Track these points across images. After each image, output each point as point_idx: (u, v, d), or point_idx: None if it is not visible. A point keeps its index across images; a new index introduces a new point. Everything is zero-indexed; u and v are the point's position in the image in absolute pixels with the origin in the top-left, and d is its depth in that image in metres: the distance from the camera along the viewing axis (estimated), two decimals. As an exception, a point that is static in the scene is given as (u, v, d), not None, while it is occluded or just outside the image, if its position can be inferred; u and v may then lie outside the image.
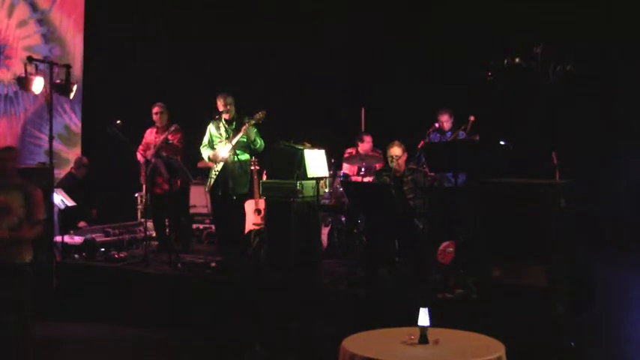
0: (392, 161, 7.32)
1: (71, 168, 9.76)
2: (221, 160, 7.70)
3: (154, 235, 8.81)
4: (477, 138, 7.79)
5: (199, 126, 8.06)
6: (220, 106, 7.78)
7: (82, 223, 9.07)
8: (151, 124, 8.54)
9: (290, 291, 6.68)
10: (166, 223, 8.57)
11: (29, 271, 5.63)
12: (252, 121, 7.58)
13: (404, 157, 7.35)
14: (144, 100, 8.92)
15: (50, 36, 10.56)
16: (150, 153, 8.21)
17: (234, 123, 7.78)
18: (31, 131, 10.28)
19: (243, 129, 7.56)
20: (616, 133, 8.22)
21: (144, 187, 8.71)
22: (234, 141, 7.59)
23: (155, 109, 8.43)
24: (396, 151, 7.29)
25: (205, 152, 7.92)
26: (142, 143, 8.49)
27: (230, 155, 7.63)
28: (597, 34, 8.01)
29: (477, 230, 6.20)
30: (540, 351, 5.26)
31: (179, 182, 8.34)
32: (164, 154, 8.08)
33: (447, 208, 6.97)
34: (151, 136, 8.47)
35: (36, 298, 5.70)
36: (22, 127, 10.24)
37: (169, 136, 8.22)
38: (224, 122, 7.79)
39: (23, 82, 7.84)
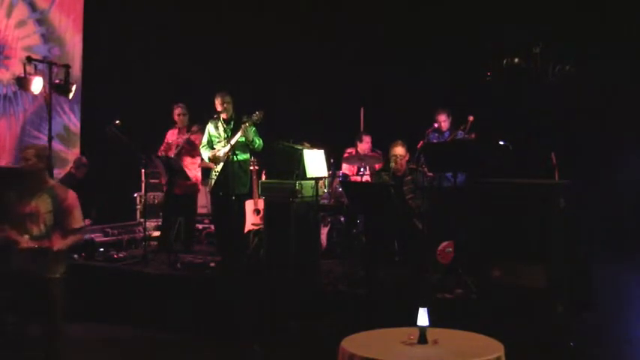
0: (394, 161, 7.32)
1: (70, 168, 9.74)
2: (221, 161, 7.70)
3: (154, 235, 8.81)
4: (473, 136, 7.79)
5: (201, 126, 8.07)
6: (218, 106, 7.78)
7: (81, 223, 9.05)
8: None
9: (289, 291, 6.68)
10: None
11: (58, 285, 5.11)
12: (250, 122, 7.57)
13: (406, 158, 7.35)
14: (143, 100, 8.92)
15: (49, 36, 10.55)
16: (171, 153, 8.23)
17: (232, 122, 7.77)
18: (30, 131, 10.27)
19: (241, 129, 7.56)
20: (616, 133, 8.21)
21: (143, 186, 8.72)
22: (233, 141, 7.58)
23: (177, 111, 8.48)
24: (399, 150, 7.28)
25: (205, 153, 7.92)
26: (163, 143, 8.52)
27: (229, 155, 7.62)
28: (597, 34, 8.00)
29: (476, 230, 6.19)
30: (540, 351, 5.25)
31: (198, 184, 8.37)
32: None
33: (446, 208, 6.97)
34: (172, 136, 8.51)
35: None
36: (21, 127, 10.24)
37: (192, 137, 8.24)
38: (222, 122, 7.78)
39: (22, 82, 7.82)
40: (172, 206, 8.51)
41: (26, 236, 5.03)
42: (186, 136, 8.23)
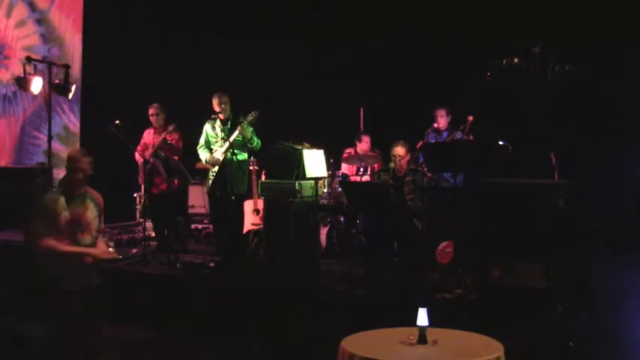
0: (394, 161, 7.31)
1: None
2: (218, 164, 7.71)
3: (153, 235, 8.81)
4: (472, 138, 7.80)
5: (199, 126, 8.07)
6: (215, 106, 7.78)
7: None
8: (150, 124, 8.55)
9: (288, 291, 6.67)
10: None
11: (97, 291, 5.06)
12: (246, 122, 7.58)
13: (407, 158, 7.34)
14: (143, 100, 8.91)
15: (49, 36, 10.56)
16: (148, 153, 8.21)
17: (229, 122, 7.77)
18: (30, 131, 10.29)
19: (237, 129, 7.57)
20: (616, 134, 8.21)
21: (142, 187, 8.72)
22: (231, 139, 7.58)
23: (150, 111, 8.44)
24: (399, 151, 7.28)
25: (202, 154, 7.92)
26: (141, 144, 8.49)
27: (227, 154, 7.62)
28: (597, 34, 8.00)
29: (475, 230, 6.19)
30: (540, 351, 5.25)
31: (176, 182, 8.33)
32: (162, 154, 8.08)
33: (446, 208, 6.96)
34: (149, 136, 8.48)
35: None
36: (21, 127, 10.25)
37: (167, 137, 8.21)
38: (219, 122, 7.79)
39: (22, 82, 7.83)
40: (154, 206, 8.51)
41: (111, 248, 5.04)
42: (162, 136, 8.21)
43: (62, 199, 4.86)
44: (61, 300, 4.86)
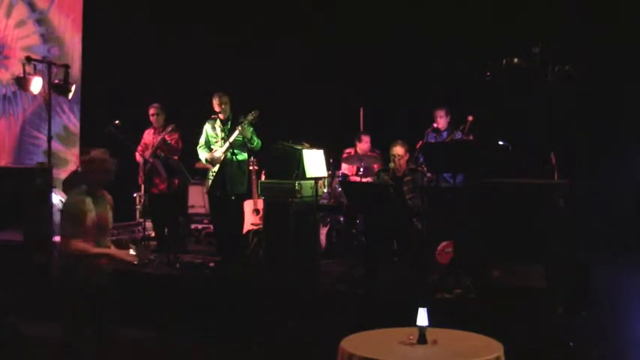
0: (393, 161, 7.31)
1: (78, 167, 9.73)
2: (218, 162, 7.71)
3: (153, 235, 8.81)
4: (472, 138, 7.79)
5: (199, 126, 8.07)
6: (216, 106, 7.79)
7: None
8: (150, 124, 8.55)
9: (288, 291, 6.67)
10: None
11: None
12: (246, 122, 7.59)
13: (406, 157, 7.34)
14: (143, 101, 8.91)
15: (49, 36, 10.55)
16: (148, 153, 8.22)
17: (229, 123, 7.78)
18: (30, 131, 10.27)
19: (237, 129, 7.57)
20: (616, 134, 8.21)
21: (142, 187, 8.72)
22: (231, 139, 7.59)
23: (151, 111, 8.46)
24: (398, 150, 7.28)
25: (202, 154, 7.92)
26: (141, 144, 8.50)
27: (227, 154, 7.62)
28: (597, 34, 8.00)
29: (475, 230, 6.19)
30: (540, 351, 5.25)
31: (176, 182, 8.33)
32: (162, 154, 8.08)
33: (445, 208, 6.96)
34: (149, 136, 8.49)
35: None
36: (21, 127, 10.24)
37: (167, 137, 8.22)
38: (220, 122, 7.79)
39: (22, 82, 7.82)
40: (154, 206, 8.52)
41: (132, 251, 5.00)
42: (161, 136, 8.22)
43: (89, 200, 4.81)
44: (77, 301, 4.82)
